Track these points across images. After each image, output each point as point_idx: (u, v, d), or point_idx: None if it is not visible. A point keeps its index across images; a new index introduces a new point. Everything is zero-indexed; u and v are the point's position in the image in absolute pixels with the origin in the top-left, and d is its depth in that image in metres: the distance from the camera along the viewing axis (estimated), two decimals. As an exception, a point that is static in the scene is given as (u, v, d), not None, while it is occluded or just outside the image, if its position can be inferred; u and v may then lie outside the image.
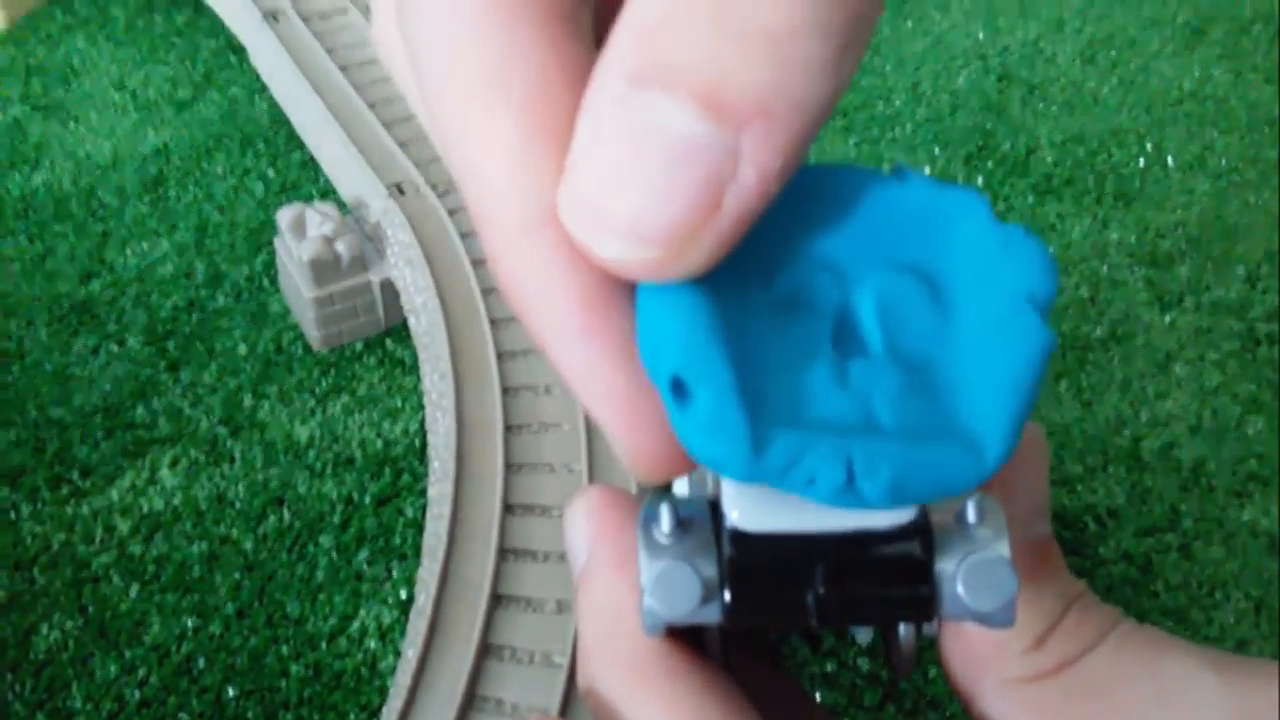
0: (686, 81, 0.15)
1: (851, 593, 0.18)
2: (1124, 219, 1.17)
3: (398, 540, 0.91)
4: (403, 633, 0.84)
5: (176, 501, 0.94)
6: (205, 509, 0.93)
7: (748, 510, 0.18)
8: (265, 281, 1.14)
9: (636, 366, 0.17)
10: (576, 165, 0.16)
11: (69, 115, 1.36)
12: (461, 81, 0.17)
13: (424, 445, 0.97)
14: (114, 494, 0.95)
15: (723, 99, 0.15)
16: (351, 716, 0.81)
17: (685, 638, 0.20)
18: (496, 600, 0.83)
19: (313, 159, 1.26)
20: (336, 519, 0.92)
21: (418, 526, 0.91)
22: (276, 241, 1.09)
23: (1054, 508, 0.89)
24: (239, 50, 1.42)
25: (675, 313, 0.17)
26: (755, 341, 0.17)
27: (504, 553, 0.85)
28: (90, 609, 0.87)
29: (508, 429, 0.93)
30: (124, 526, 0.92)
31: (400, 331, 1.08)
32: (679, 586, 0.18)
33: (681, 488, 0.20)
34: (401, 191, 1.12)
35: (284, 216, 1.08)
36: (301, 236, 1.06)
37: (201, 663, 0.83)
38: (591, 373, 0.17)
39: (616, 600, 0.20)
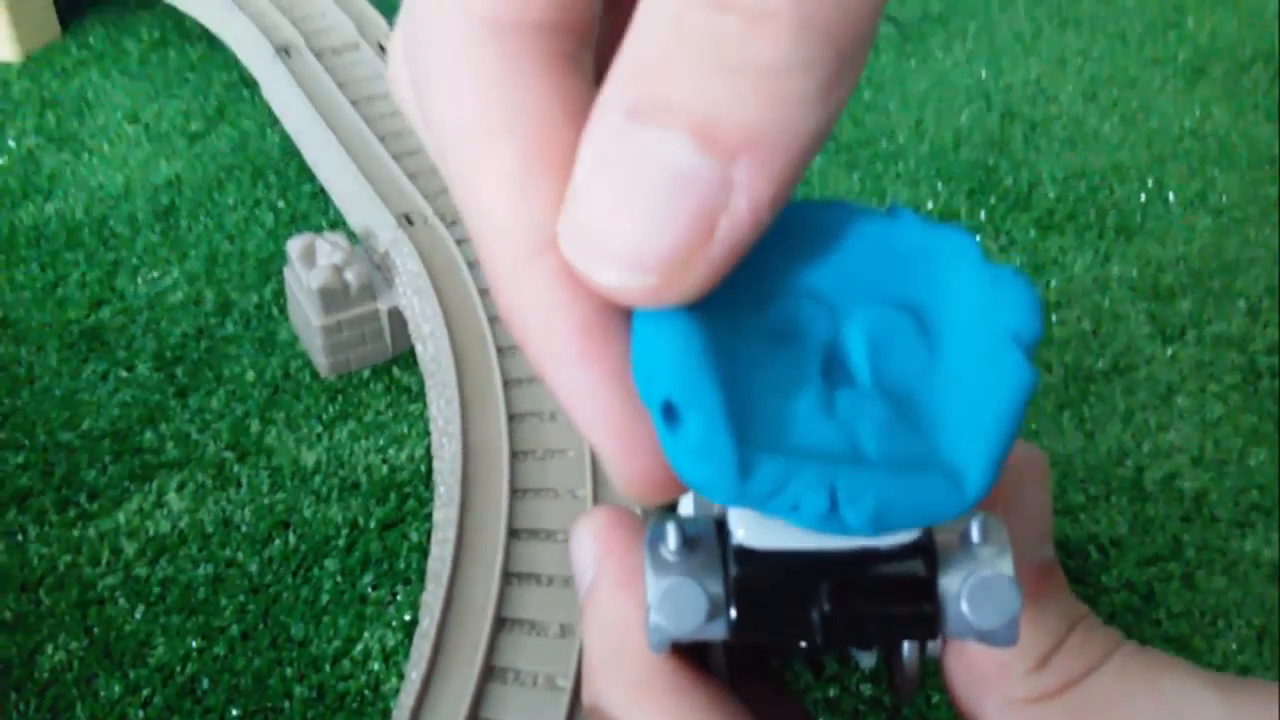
0: (681, 116, 0.16)
1: (856, 610, 0.18)
2: (1125, 253, 1.18)
3: (402, 564, 0.91)
4: (406, 655, 0.85)
5: (183, 525, 0.94)
6: (211, 532, 0.94)
7: (753, 528, 0.18)
8: (274, 310, 1.15)
9: (631, 392, 0.17)
10: (576, 195, 0.17)
11: (82, 147, 1.38)
12: (466, 117, 0.18)
13: (429, 471, 0.98)
14: (121, 517, 0.95)
15: (716, 132, 0.16)
16: (354, 738, 0.81)
17: (690, 656, 0.20)
18: (500, 623, 0.83)
19: (322, 191, 1.27)
20: (342, 543, 0.93)
21: (422, 551, 0.92)
22: (286, 270, 1.10)
23: (1057, 537, 0.89)
24: (251, 84, 1.44)
25: (669, 339, 0.17)
26: (746, 369, 0.18)
27: (508, 576, 0.86)
28: (95, 630, 0.87)
29: (513, 455, 0.93)
30: (130, 549, 0.93)
31: (407, 359, 1.09)
32: (685, 602, 0.18)
33: (687, 508, 0.20)
34: (410, 222, 1.14)
35: (294, 246, 1.09)
36: (311, 265, 1.07)
37: (206, 683, 0.84)
38: (588, 398, 0.18)
39: (623, 618, 0.20)
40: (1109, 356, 1.07)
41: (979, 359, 0.18)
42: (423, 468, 0.99)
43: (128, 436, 1.02)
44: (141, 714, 0.82)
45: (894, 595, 0.18)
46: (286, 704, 0.83)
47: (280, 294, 1.16)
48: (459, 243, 1.11)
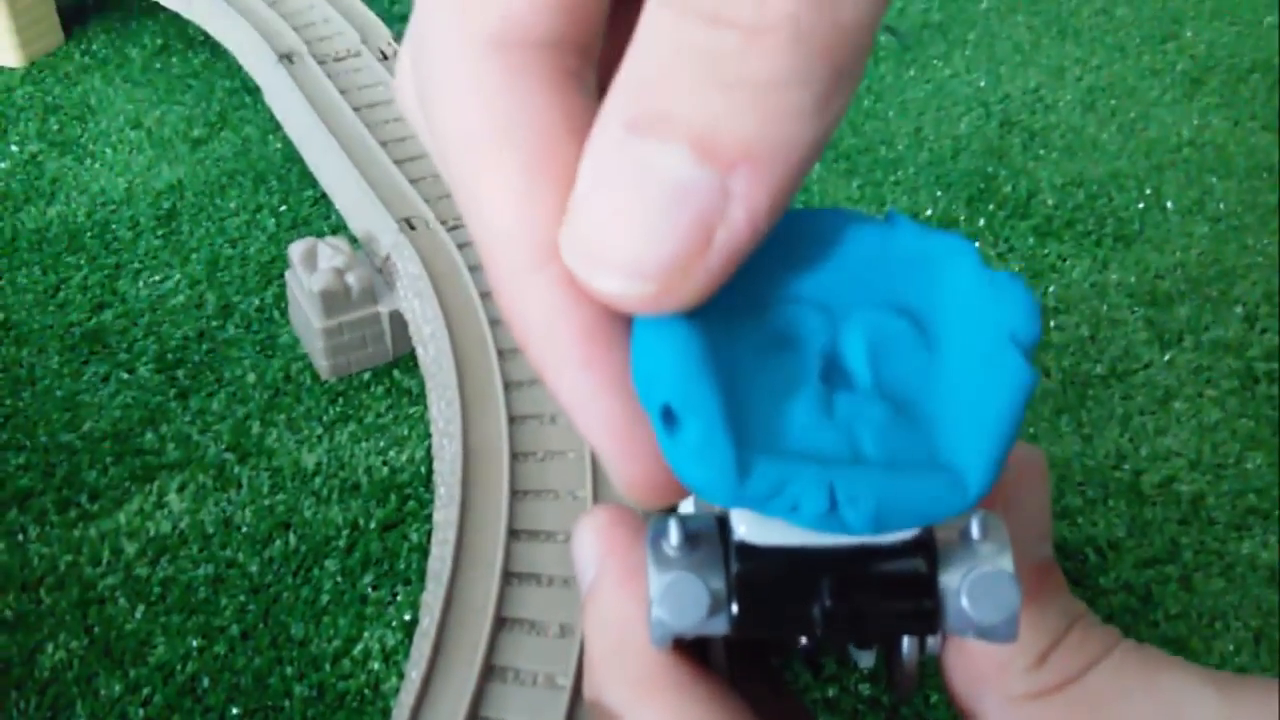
0: (680, 128, 0.16)
1: (857, 605, 0.18)
2: (1124, 260, 1.19)
3: (402, 565, 0.92)
4: (406, 655, 0.85)
5: (183, 525, 0.95)
6: (212, 533, 0.94)
7: (755, 525, 0.18)
8: (275, 313, 1.15)
9: (632, 397, 0.18)
10: (577, 206, 0.17)
11: (85, 152, 1.39)
12: (471, 130, 0.18)
13: (429, 472, 0.98)
14: (121, 517, 0.95)
15: (713, 144, 0.16)
16: (354, 736, 0.81)
17: (692, 654, 0.20)
18: (500, 623, 0.83)
19: (324, 196, 1.28)
20: (342, 543, 0.93)
21: (423, 551, 0.92)
22: (288, 274, 1.11)
23: (1055, 540, 0.89)
24: (253, 91, 1.45)
25: (668, 345, 0.17)
26: (745, 374, 0.18)
27: (508, 577, 0.86)
28: (96, 629, 0.87)
29: (513, 456, 0.94)
30: (131, 549, 0.93)
31: (407, 362, 1.09)
32: (687, 597, 0.18)
33: (687, 507, 0.20)
34: (412, 226, 1.14)
35: (296, 250, 1.09)
36: (313, 269, 1.07)
37: (206, 682, 0.84)
38: (590, 402, 0.18)
39: (624, 615, 0.20)
40: (1107, 361, 1.08)
41: (978, 361, 0.18)
42: (423, 469, 0.99)
43: (129, 438, 1.02)
44: (142, 712, 0.82)
45: (895, 591, 0.18)
46: (287, 703, 0.83)
47: (281, 298, 1.16)
48: (460, 247, 1.12)
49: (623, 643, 0.20)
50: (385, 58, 1.40)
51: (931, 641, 0.20)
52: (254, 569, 0.91)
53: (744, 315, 0.19)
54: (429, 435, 1.01)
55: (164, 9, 1.58)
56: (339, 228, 1.23)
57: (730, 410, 0.17)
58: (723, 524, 0.19)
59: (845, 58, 0.16)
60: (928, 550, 0.19)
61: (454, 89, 0.18)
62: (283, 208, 1.29)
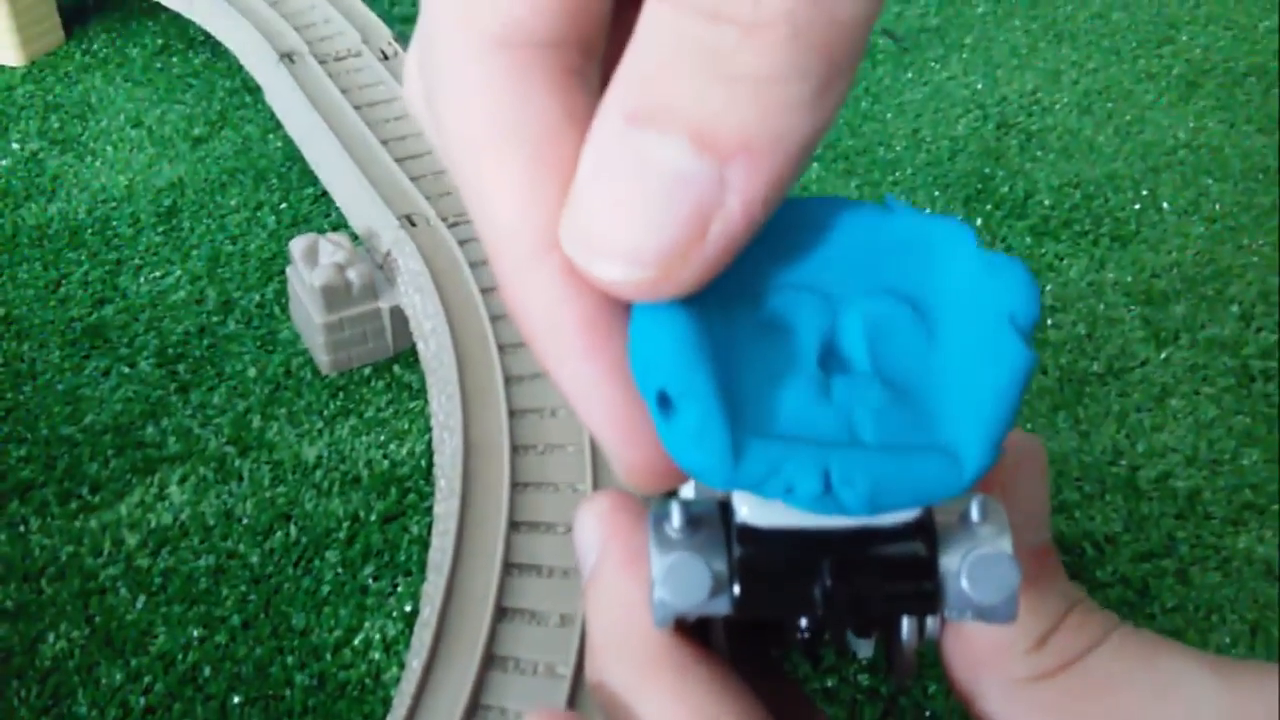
0: (679, 120, 0.17)
1: (857, 586, 0.18)
2: (1120, 259, 1.19)
3: (403, 556, 0.92)
4: (407, 645, 0.85)
5: (184, 517, 0.95)
6: (213, 524, 0.94)
7: (757, 506, 0.19)
8: (276, 309, 1.16)
9: (632, 385, 0.18)
10: (578, 195, 0.18)
11: (85, 150, 1.39)
12: (476, 127, 0.19)
13: (430, 466, 0.98)
14: (123, 509, 0.96)
15: (710, 136, 0.17)
16: (355, 725, 0.81)
17: (693, 636, 0.20)
18: (501, 613, 0.83)
19: (324, 194, 1.28)
20: (343, 535, 0.93)
21: (423, 543, 0.92)
22: (289, 269, 1.11)
23: (1052, 534, 0.89)
24: (254, 90, 1.45)
25: (665, 332, 0.18)
26: (743, 359, 0.18)
27: (509, 568, 0.86)
28: (97, 619, 0.88)
29: (514, 450, 0.94)
30: (132, 540, 0.93)
31: (408, 357, 1.10)
32: (690, 577, 0.18)
33: (688, 493, 0.20)
34: (413, 223, 1.15)
35: (297, 245, 1.10)
36: (314, 264, 1.08)
37: (207, 671, 0.84)
38: (591, 390, 0.19)
39: (626, 598, 0.20)
40: (1104, 359, 1.08)
41: (977, 343, 0.18)
42: (423, 463, 0.99)
43: (130, 431, 1.02)
44: (143, 701, 0.83)
45: (895, 572, 0.18)
46: (288, 692, 0.83)
47: (282, 294, 1.17)
48: (461, 243, 1.12)
49: (625, 625, 0.20)
50: (386, 57, 1.41)
51: (931, 625, 0.20)
52: (255, 560, 0.91)
53: (742, 302, 0.19)
54: (429, 430, 1.02)
55: (165, 9, 1.59)
56: (339, 225, 1.24)
57: (726, 395, 0.18)
58: (724, 507, 0.19)
59: (842, 53, 0.16)
60: (927, 532, 0.19)
61: (460, 88, 0.19)
62: (283, 205, 1.29)
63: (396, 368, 1.09)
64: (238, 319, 1.14)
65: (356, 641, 0.86)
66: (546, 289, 0.18)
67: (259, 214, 1.28)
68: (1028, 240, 1.22)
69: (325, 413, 1.04)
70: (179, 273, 1.20)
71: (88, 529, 0.94)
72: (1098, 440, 1.00)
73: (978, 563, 0.18)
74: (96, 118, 1.45)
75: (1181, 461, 0.98)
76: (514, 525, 0.89)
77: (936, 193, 1.29)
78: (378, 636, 0.86)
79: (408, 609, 0.88)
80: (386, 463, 0.99)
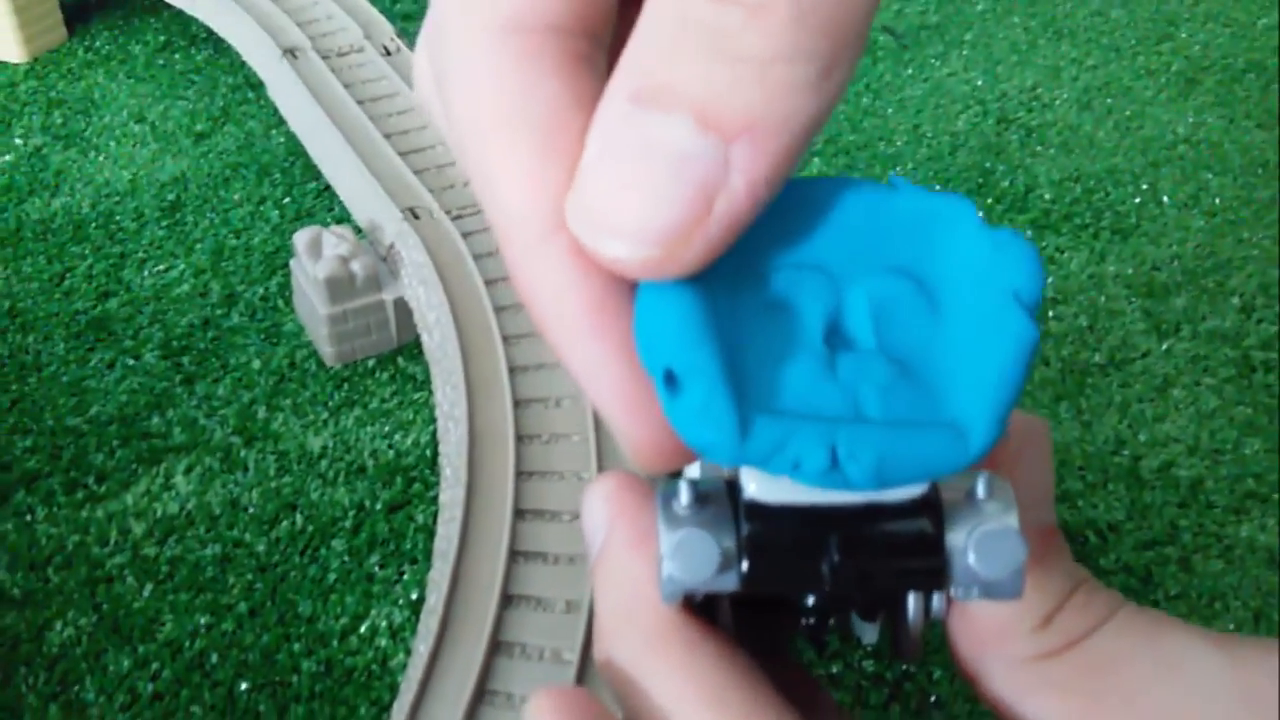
0: (683, 100, 0.17)
1: (865, 561, 0.19)
2: (1121, 252, 1.20)
3: (409, 545, 0.92)
4: (413, 632, 0.85)
5: (190, 506, 0.95)
6: (219, 514, 0.94)
7: (764, 483, 0.19)
8: (280, 302, 1.16)
9: (640, 364, 0.18)
10: (584, 175, 0.18)
11: (89, 145, 1.39)
12: (485, 112, 0.19)
13: (435, 456, 0.99)
14: (129, 498, 0.96)
15: (716, 116, 0.17)
16: (362, 710, 0.81)
17: (701, 614, 0.20)
18: (507, 600, 0.84)
19: (327, 189, 1.28)
20: (348, 524, 0.93)
21: (429, 532, 0.93)
22: (293, 262, 1.11)
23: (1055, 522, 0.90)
24: (257, 86, 1.45)
25: (671, 310, 0.18)
26: (748, 338, 0.19)
27: (514, 555, 0.86)
28: (104, 607, 0.88)
29: (519, 439, 0.94)
30: (138, 529, 0.93)
31: (412, 349, 1.10)
32: (698, 553, 0.19)
33: (694, 473, 0.21)
34: (416, 216, 1.15)
35: (301, 238, 1.10)
36: (318, 257, 1.08)
37: (214, 658, 0.84)
38: (599, 370, 0.19)
39: (634, 576, 0.20)
40: (1105, 351, 1.09)
41: (981, 318, 0.18)
42: (428, 453, 1.00)
43: (135, 422, 1.03)
44: (151, 687, 0.83)
45: (902, 546, 0.19)
46: (295, 678, 0.83)
47: (285, 287, 1.17)
48: (464, 236, 1.13)
49: (633, 602, 0.20)
50: (388, 53, 1.41)
51: (937, 604, 0.20)
52: (261, 549, 0.92)
53: (747, 281, 0.19)
54: (433, 420, 1.02)
55: (167, 6, 1.59)
56: (342, 219, 1.24)
57: (732, 372, 0.18)
58: (732, 486, 0.19)
59: (846, 35, 0.17)
60: (934, 508, 0.19)
61: (469, 73, 0.19)
62: (286, 200, 1.29)
63: (400, 360, 1.09)
64: (242, 312, 1.15)
65: (363, 629, 0.86)
66: (554, 270, 0.19)
67: (262, 208, 1.28)
68: (1029, 233, 1.23)
69: (330, 404, 1.04)
70: (183, 266, 1.20)
71: (94, 518, 0.94)
72: (1100, 430, 1.01)
73: (984, 538, 0.19)
74: (99, 113, 1.45)
75: (1183, 451, 0.99)
76: (519, 513, 0.89)
77: (937, 187, 1.29)
78: (384, 623, 0.87)
79: (414, 596, 0.88)
80: (391, 453, 1.00)
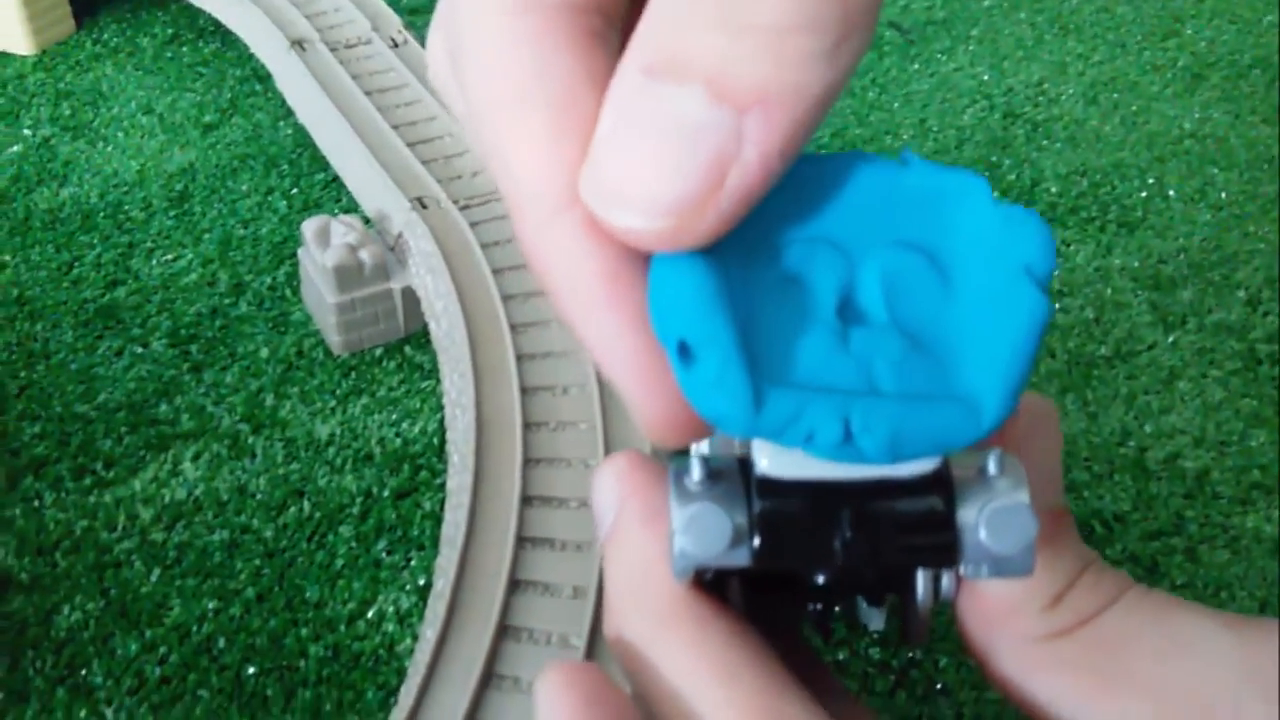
0: (696, 72, 0.17)
1: (876, 537, 0.19)
2: (1127, 245, 1.20)
3: (416, 531, 0.92)
4: (421, 617, 0.86)
5: (198, 492, 0.95)
6: (227, 500, 0.95)
7: (776, 458, 0.19)
8: (287, 292, 1.16)
9: (654, 336, 0.19)
10: (598, 147, 0.18)
11: (97, 136, 1.40)
12: (500, 88, 0.19)
13: (442, 444, 0.99)
14: (136, 484, 0.96)
15: (728, 87, 0.17)
16: (369, 694, 0.82)
17: (711, 593, 0.20)
18: (514, 585, 0.84)
19: (335, 180, 1.29)
20: (356, 510, 0.94)
21: (436, 519, 0.93)
22: (300, 251, 1.12)
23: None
24: (264, 78, 1.46)
25: (685, 282, 0.18)
26: (762, 310, 0.19)
27: (522, 541, 0.86)
28: (112, 591, 0.88)
29: (526, 426, 0.95)
30: (146, 515, 0.94)
31: (419, 338, 1.10)
32: (710, 527, 0.19)
33: (705, 449, 0.21)
34: (424, 205, 1.15)
35: (309, 227, 1.10)
36: (326, 245, 1.08)
37: (222, 642, 0.85)
38: (613, 342, 0.19)
39: (646, 554, 0.20)
40: (1111, 343, 1.09)
41: (993, 293, 0.18)
42: (435, 441, 1.00)
43: (143, 409, 1.03)
44: (158, 671, 0.83)
45: (913, 522, 0.19)
46: (302, 662, 0.83)
47: (293, 277, 1.17)
48: (472, 225, 1.13)
49: (644, 579, 0.20)
50: (396, 45, 1.42)
51: (946, 584, 0.20)
52: (269, 534, 0.92)
53: (761, 254, 0.19)
54: (441, 409, 1.02)
55: (175, -2, 1.60)
56: (350, 210, 1.24)
57: (746, 344, 0.18)
58: (743, 462, 0.19)
59: (857, 6, 0.17)
60: (945, 485, 0.19)
61: (484, 50, 0.19)
62: (294, 190, 1.30)
63: (408, 348, 1.10)
64: (249, 301, 1.15)
65: (370, 614, 0.87)
66: (568, 243, 0.19)
67: (270, 199, 1.28)
68: (1035, 227, 1.23)
69: (337, 392, 1.05)
70: (191, 256, 1.21)
71: (102, 504, 0.95)
72: (1106, 422, 1.01)
73: (995, 514, 0.19)
74: (108, 105, 1.45)
75: (1189, 442, 0.99)
76: (526, 500, 0.89)
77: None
78: (391, 609, 0.87)
79: (421, 582, 0.88)
80: (399, 440, 1.00)
